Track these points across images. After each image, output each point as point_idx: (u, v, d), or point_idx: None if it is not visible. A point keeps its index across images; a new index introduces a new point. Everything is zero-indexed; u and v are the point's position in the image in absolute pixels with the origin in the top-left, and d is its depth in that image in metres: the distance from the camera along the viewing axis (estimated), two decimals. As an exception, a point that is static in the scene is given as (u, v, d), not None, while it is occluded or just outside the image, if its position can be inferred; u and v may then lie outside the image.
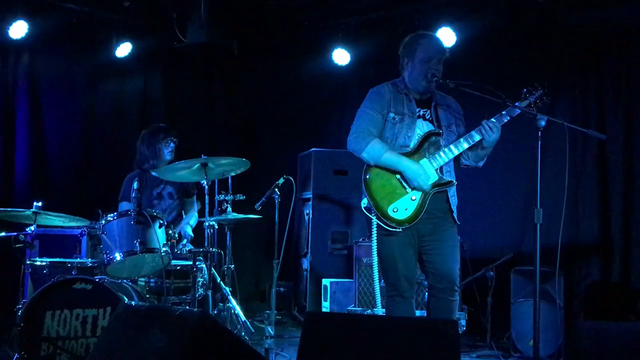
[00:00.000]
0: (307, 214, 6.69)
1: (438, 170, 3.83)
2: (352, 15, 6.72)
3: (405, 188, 3.77)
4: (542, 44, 6.06)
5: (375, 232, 3.82)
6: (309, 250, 6.58)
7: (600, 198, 5.77)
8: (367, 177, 3.81)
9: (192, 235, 5.20)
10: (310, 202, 6.63)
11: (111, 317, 3.11)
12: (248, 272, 7.31)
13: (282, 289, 7.06)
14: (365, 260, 5.89)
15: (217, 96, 7.72)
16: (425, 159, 3.82)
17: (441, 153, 3.82)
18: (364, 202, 3.81)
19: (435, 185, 3.80)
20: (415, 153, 3.83)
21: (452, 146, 3.83)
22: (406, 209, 3.75)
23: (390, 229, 3.74)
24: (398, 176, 3.79)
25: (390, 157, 3.78)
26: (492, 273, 5.53)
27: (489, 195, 6.25)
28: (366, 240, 6.02)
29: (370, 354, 2.62)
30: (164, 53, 7.16)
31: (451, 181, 3.86)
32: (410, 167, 3.76)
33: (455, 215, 3.91)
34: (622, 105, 5.74)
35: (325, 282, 6.25)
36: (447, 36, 6.01)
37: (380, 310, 5.14)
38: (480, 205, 6.23)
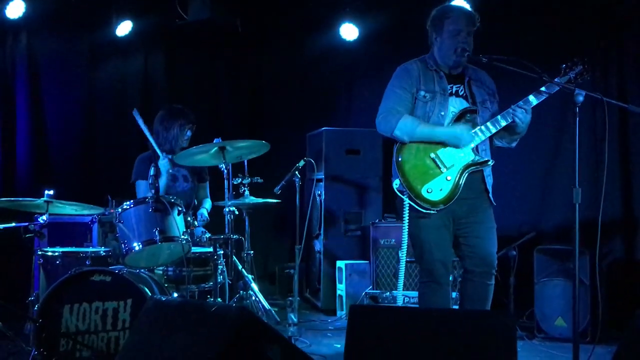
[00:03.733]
0: (319, 195, 6.52)
1: (475, 149, 3.67)
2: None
3: (439, 167, 3.62)
4: (560, 19, 5.84)
5: (407, 214, 3.67)
6: (322, 232, 6.42)
7: (622, 174, 5.63)
8: (400, 157, 3.65)
9: (208, 218, 5.02)
10: (322, 183, 6.45)
11: (140, 314, 2.93)
12: (257, 253, 7.13)
13: (292, 271, 6.90)
14: (382, 242, 5.74)
15: (221, 75, 7.47)
16: None
17: (478, 131, 3.66)
18: (396, 183, 3.64)
19: (471, 164, 3.64)
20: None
21: (489, 124, 3.67)
22: (441, 190, 3.60)
23: (424, 211, 3.59)
24: (432, 155, 3.63)
25: (426, 129, 3.63)
26: (514, 252, 5.41)
27: (506, 171, 6.06)
28: (383, 221, 5.88)
29: (425, 348, 2.47)
30: (165, 31, 6.92)
31: (487, 160, 3.71)
32: (448, 132, 3.62)
33: (491, 195, 3.76)
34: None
35: (340, 264, 6.10)
36: (461, 8, 5.78)
37: (401, 293, 5.01)
38: (497, 181, 6.04)
